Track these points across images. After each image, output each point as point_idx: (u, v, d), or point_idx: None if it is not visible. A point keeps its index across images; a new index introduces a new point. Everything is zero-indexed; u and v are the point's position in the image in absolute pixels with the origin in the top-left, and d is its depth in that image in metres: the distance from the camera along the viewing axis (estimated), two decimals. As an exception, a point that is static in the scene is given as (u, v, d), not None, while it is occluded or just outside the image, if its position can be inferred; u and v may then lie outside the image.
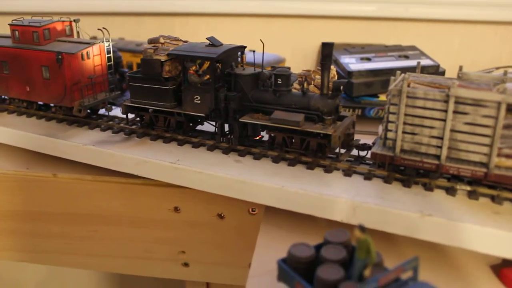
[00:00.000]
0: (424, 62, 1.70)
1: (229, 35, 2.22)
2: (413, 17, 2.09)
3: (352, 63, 1.67)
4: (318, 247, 0.77)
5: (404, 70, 1.58)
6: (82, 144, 1.24)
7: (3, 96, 1.52)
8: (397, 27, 2.11)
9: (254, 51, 1.14)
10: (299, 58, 2.16)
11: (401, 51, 1.81)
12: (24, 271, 2.49)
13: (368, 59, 1.71)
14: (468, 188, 0.98)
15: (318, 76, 1.16)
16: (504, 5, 2.07)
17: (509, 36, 2.11)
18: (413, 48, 1.84)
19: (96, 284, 2.46)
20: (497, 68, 1.88)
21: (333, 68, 1.17)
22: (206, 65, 1.17)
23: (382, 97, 1.61)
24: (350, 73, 1.60)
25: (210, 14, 2.20)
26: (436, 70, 1.67)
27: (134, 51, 1.92)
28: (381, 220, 0.93)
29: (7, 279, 2.52)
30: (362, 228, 0.68)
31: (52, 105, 1.43)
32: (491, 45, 2.12)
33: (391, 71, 1.59)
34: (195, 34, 2.23)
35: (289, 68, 1.20)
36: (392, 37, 2.10)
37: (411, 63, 1.69)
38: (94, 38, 1.79)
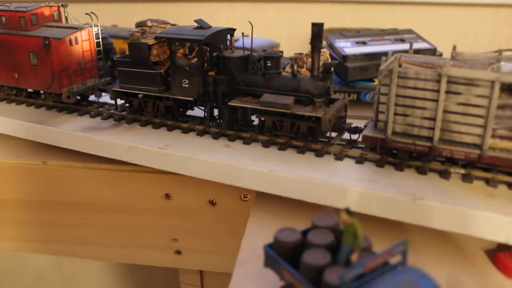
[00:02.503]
0: (421, 45, 1.67)
1: (224, 21, 2.19)
2: (410, 0, 2.05)
3: (347, 47, 1.64)
4: (305, 232, 0.75)
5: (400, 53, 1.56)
6: (71, 131, 1.22)
7: (-8, 84, 1.50)
8: (394, 11, 2.08)
9: (243, 34, 1.12)
10: (295, 43, 2.13)
11: (397, 34, 1.78)
12: (24, 260, 2.49)
13: (364, 43, 1.68)
14: (462, 171, 0.95)
15: (310, 60, 1.13)
16: (503, -13, 2.03)
17: (508, 19, 2.08)
18: (409, 31, 1.80)
19: (94, 273, 2.46)
20: (495, 52, 1.85)
21: (326, 51, 1.14)
22: (196, 48, 1.14)
23: (378, 81, 1.57)
24: (345, 57, 1.57)
25: (204, 0, 2.17)
26: (433, 53, 1.64)
27: (127, 38, 1.89)
28: (373, 204, 0.91)
29: (6, 269, 2.52)
30: (348, 211, 0.66)
31: (41, 92, 1.41)
32: (490, 28, 2.09)
33: (387, 55, 1.56)
34: (189, 20, 2.20)
35: (281, 51, 1.17)
36: (389, 22, 2.07)
37: (407, 46, 1.65)
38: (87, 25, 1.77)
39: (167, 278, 1.99)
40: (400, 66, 0.95)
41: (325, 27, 2.05)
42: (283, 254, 0.73)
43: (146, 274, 2.24)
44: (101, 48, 1.39)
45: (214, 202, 1.20)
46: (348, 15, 2.10)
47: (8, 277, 2.54)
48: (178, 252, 1.30)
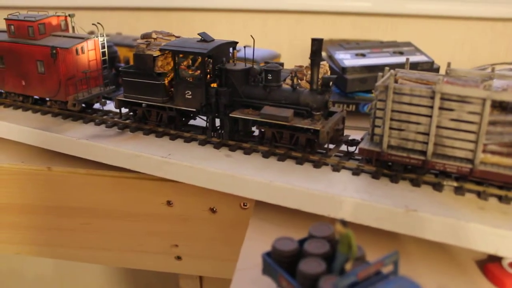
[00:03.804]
0: (419, 58, 1.70)
1: (225, 31, 2.23)
2: (409, 13, 2.09)
3: (347, 59, 1.68)
4: (302, 241, 0.78)
5: (398, 66, 1.58)
6: (76, 138, 1.25)
7: (-1, 90, 1.54)
8: (393, 23, 2.12)
9: (245, 46, 1.15)
10: (296, 54, 2.17)
11: (396, 47, 1.81)
12: (24, 263, 2.51)
13: (363, 55, 1.72)
14: (455, 184, 0.99)
15: (309, 72, 1.16)
16: (500, 2, 2.06)
17: (506, 32, 2.11)
18: (408, 44, 1.84)
19: (94, 277, 2.48)
20: (492, 65, 1.88)
21: (326, 64, 1.17)
22: (199, 60, 1.18)
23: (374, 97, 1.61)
24: (344, 69, 1.60)
25: (207, 10, 2.21)
26: (430, 66, 1.68)
27: (131, 46, 1.93)
28: (368, 215, 0.94)
29: (6, 271, 2.54)
30: (343, 223, 0.69)
31: (47, 99, 1.44)
32: (488, 41, 2.12)
33: (385, 67, 1.60)
34: (191, 29, 2.23)
35: (282, 63, 1.20)
36: (388, 33, 2.10)
37: (405, 59, 1.69)
38: (91, 33, 1.81)
39: (167, 283, 2.02)
40: (396, 82, 0.98)
41: (326, 37, 2.09)
42: (280, 263, 0.76)
43: (146, 278, 2.27)
44: (106, 57, 1.42)
45: (214, 209, 1.23)
46: (348, 26, 2.14)
47: (8, 279, 2.57)
48: (179, 258, 1.33)
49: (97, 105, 1.44)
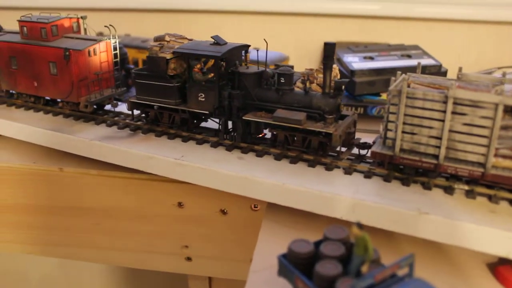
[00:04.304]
0: (427, 61, 1.71)
1: (233, 32, 2.24)
2: (416, 16, 2.10)
3: (355, 62, 1.69)
4: (317, 244, 0.80)
5: (406, 69, 1.60)
6: (88, 139, 1.26)
7: (10, 91, 1.55)
8: (401, 26, 2.13)
9: (258, 50, 1.16)
10: (303, 56, 2.18)
11: (404, 50, 1.83)
12: (29, 263, 2.53)
13: (371, 58, 1.73)
14: (466, 187, 1.00)
15: (320, 75, 1.18)
16: (507, 5, 2.08)
17: (511, 35, 2.12)
18: (415, 47, 1.85)
19: (100, 276, 2.50)
20: (499, 68, 1.90)
21: (335, 67, 1.18)
22: (211, 63, 1.19)
23: (384, 96, 1.62)
24: (353, 72, 1.61)
25: (214, 11, 2.22)
26: (438, 69, 1.69)
27: (139, 48, 1.94)
28: (380, 218, 0.95)
29: (13, 271, 2.56)
30: (359, 226, 0.71)
31: (59, 100, 1.45)
32: (493, 44, 2.14)
33: (393, 70, 1.60)
34: (199, 31, 2.25)
35: (292, 66, 1.22)
36: (395, 36, 2.11)
37: (413, 62, 1.70)
38: (101, 34, 1.82)
39: (175, 283, 2.03)
40: (408, 86, 0.99)
41: (334, 40, 2.11)
42: (296, 264, 0.78)
43: (154, 279, 2.28)
44: (118, 59, 1.44)
45: (225, 211, 1.25)
46: (356, 29, 2.15)
47: (15, 279, 2.58)
48: (189, 259, 1.34)
49: (108, 107, 1.46)
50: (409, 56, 1.77)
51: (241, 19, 2.23)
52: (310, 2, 2.13)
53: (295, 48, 2.16)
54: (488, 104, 0.91)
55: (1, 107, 1.52)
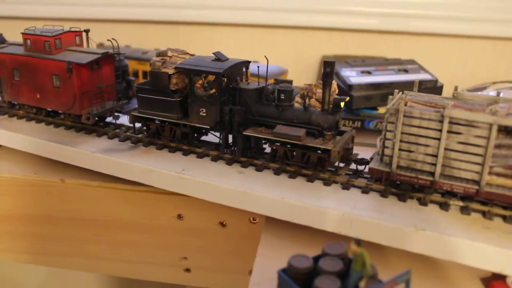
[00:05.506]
0: (423, 76, 1.75)
1: (232, 45, 2.27)
2: (413, 31, 2.13)
3: (353, 76, 1.72)
4: (316, 259, 0.81)
5: (403, 84, 1.64)
6: (90, 152, 1.28)
7: (12, 102, 1.56)
8: (398, 40, 2.16)
9: (258, 66, 1.18)
10: (301, 69, 2.20)
11: (400, 64, 1.86)
12: (26, 272, 2.53)
13: (368, 73, 1.76)
14: (461, 203, 1.02)
15: (319, 90, 1.20)
16: (501, 21, 2.11)
17: (506, 51, 2.16)
18: (412, 62, 1.89)
19: (96, 286, 2.50)
20: (494, 83, 1.93)
21: (334, 82, 1.21)
22: (212, 79, 1.21)
23: (381, 110, 1.65)
24: (350, 86, 1.64)
25: (214, 24, 2.25)
26: (434, 84, 1.72)
27: (140, 59, 1.96)
28: (377, 233, 0.97)
29: (8, 280, 2.56)
30: (358, 242, 0.73)
31: (61, 112, 1.47)
32: (488, 59, 2.17)
33: (390, 85, 1.64)
34: (199, 43, 2.28)
35: (291, 81, 1.24)
36: (392, 50, 2.15)
37: (410, 77, 1.73)
38: (101, 45, 1.84)
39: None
40: (405, 104, 1.02)
41: (331, 53, 2.13)
42: (296, 279, 0.80)
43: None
44: (120, 72, 1.46)
45: (224, 223, 1.27)
46: (355, 42, 2.18)
47: (10, 287, 2.58)
48: (187, 270, 1.36)
49: (109, 119, 1.48)
50: (405, 71, 1.80)
51: (240, 31, 2.26)
52: (309, 15, 2.16)
53: (294, 61, 2.19)
54: (483, 124, 0.94)
55: (2, 118, 1.53)
